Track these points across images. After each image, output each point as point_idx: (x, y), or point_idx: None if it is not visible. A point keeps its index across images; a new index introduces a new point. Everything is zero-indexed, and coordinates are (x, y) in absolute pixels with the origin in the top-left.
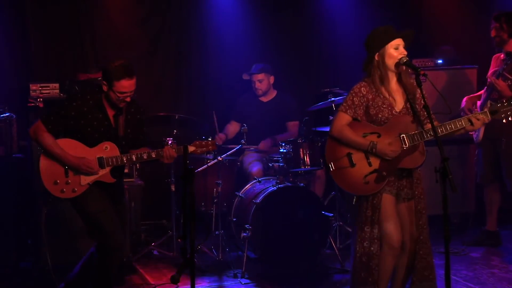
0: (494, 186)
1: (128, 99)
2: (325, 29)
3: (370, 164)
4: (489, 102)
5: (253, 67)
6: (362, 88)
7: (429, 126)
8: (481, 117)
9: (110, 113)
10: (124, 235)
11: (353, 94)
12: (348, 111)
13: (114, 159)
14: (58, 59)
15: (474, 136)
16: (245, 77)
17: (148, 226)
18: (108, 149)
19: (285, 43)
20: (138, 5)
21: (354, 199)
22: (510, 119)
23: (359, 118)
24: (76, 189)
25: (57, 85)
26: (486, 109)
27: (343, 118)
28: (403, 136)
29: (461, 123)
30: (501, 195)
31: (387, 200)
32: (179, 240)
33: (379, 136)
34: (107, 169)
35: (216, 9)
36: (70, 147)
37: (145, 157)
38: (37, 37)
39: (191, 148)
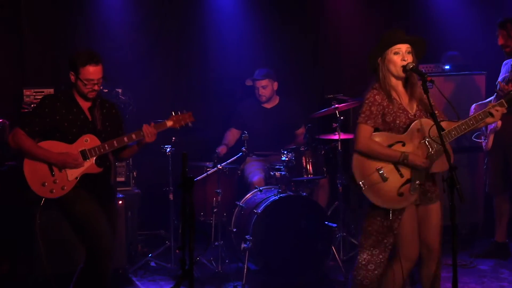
0: (503, 196)
1: (96, 87)
2: (330, 33)
3: (401, 176)
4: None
5: (256, 72)
6: (376, 96)
7: (444, 125)
8: (500, 108)
9: (85, 106)
10: (114, 239)
11: (370, 104)
12: (369, 122)
13: (96, 149)
14: (53, 64)
15: (483, 144)
16: (248, 83)
17: (145, 236)
18: (88, 141)
19: (288, 48)
20: (136, 8)
21: (391, 214)
22: None
23: (380, 127)
24: (65, 186)
25: (51, 90)
26: (502, 100)
27: (367, 130)
28: (428, 141)
29: (481, 116)
30: (511, 206)
31: (409, 211)
32: (177, 251)
33: (404, 145)
34: (92, 159)
35: (218, 11)
36: (52, 147)
37: (126, 140)
38: (31, 41)
39: (169, 123)
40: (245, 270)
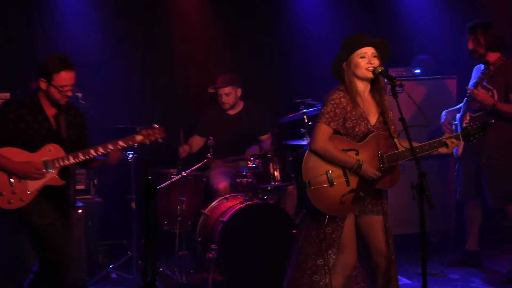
0: (475, 203)
1: (69, 93)
2: (298, 36)
3: (348, 184)
4: (468, 114)
5: (219, 79)
6: (342, 99)
7: (405, 142)
8: (455, 141)
9: (50, 113)
10: (71, 251)
11: (334, 105)
12: (331, 123)
13: (60, 160)
14: (9, 67)
15: (454, 151)
16: (211, 90)
17: (106, 246)
18: (52, 151)
19: (254, 51)
20: (97, 10)
21: (326, 219)
22: (474, 141)
23: (340, 130)
24: (23, 198)
25: (7, 94)
26: (464, 124)
27: (325, 131)
28: (382, 156)
29: (436, 144)
30: (482, 213)
31: (349, 219)
32: (139, 261)
33: (357, 154)
34: (55, 171)
35: (184, 16)
36: (12, 155)
37: (92, 152)
38: None
39: (138, 138)
40: (211, 280)
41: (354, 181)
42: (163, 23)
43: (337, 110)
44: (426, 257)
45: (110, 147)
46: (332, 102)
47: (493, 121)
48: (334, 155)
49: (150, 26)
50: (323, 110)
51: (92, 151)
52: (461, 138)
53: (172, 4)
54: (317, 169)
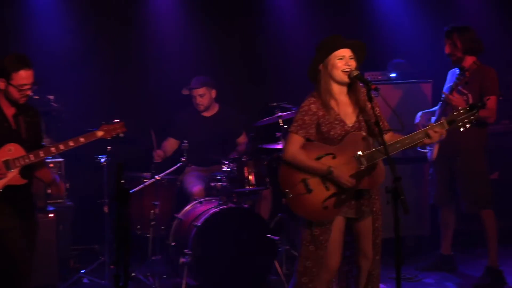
0: (449, 207)
1: (29, 92)
2: (273, 40)
3: (327, 189)
4: (443, 118)
5: (193, 80)
6: (312, 105)
7: (386, 138)
8: (439, 129)
9: (9, 113)
10: (32, 260)
11: (303, 113)
12: (300, 131)
13: (21, 159)
14: None
15: (428, 154)
16: (185, 92)
17: (78, 251)
18: (12, 151)
19: (228, 54)
20: (69, 11)
21: (300, 221)
22: (467, 126)
23: (311, 137)
24: None
25: None
26: (443, 120)
27: (296, 140)
28: (359, 156)
29: (418, 136)
30: (456, 217)
31: (338, 222)
32: (111, 266)
33: (334, 157)
34: (15, 170)
35: (156, 17)
36: None
37: (53, 150)
38: None
39: (99, 133)
40: (184, 285)
41: (333, 185)
42: (136, 24)
43: (305, 118)
44: (400, 262)
45: (71, 144)
46: (301, 110)
47: (479, 104)
48: (304, 163)
49: (123, 27)
50: (294, 119)
51: (53, 149)
52: (445, 125)
53: (146, 5)
54: (293, 178)
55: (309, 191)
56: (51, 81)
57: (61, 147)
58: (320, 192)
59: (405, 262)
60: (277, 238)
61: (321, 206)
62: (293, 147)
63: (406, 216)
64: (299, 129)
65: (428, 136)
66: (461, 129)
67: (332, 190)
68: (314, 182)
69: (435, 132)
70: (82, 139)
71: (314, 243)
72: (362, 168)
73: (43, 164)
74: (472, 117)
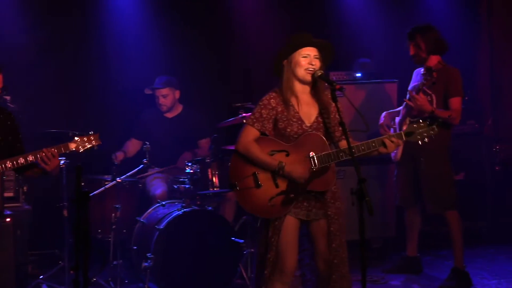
0: (414, 208)
1: None
2: (238, 40)
3: (277, 186)
4: (408, 119)
5: (157, 80)
6: (272, 100)
7: (343, 144)
8: (395, 139)
9: None
10: None
11: (262, 106)
12: (256, 124)
13: None
14: None
15: (392, 155)
16: (148, 91)
17: (37, 256)
18: None
19: (193, 54)
20: (26, 9)
21: (259, 222)
22: (426, 140)
23: (267, 132)
24: None
25: None
26: (403, 129)
27: (250, 132)
28: (313, 157)
29: (375, 144)
30: (422, 218)
31: (289, 224)
32: (71, 271)
33: (287, 155)
34: None
35: (117, 15)
36: None
37: (21, 161)
38: None
39: (71, 145)
40: None
41: (283, 183)
42: (97, 23)
43: (263, 111)
44: (366, 264)
45: (41, 154)
46: (260, 103)
47: (440, 119)
48: (256, 156)
49: (83, 25)
50: (252, 112)
51: (21, 159)
52: (403, 136)
53: (107, 3)
54: (243, 171)
55: (258, 186)
56: (7, 81)
57: (30, 157)
58: (269, 188)
59: (371, 264)
60: (241, 241)
61: (268, 202)
62: (247, 138)
63: (372, 217)
64: (255, 121)
65: (384, 145)
66: (419, 142)
67: (282, 187)
68: (264, 177)
69: (392, 142)
70: (53, 150)
71: (266, 246)
72: (313, 169)
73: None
74: (431, 132)
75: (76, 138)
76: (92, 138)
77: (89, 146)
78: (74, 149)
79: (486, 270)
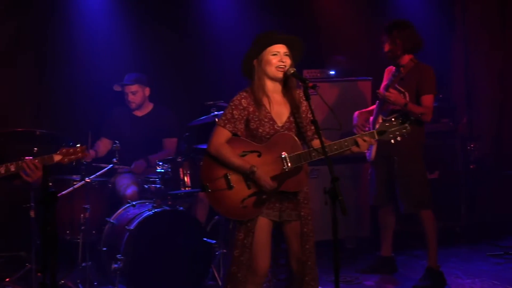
0: (388, 208)
1: None
2: (209, 37)
3: (249, 187)
4: (380, 117)
5: (126, 77)
6: (243, 100)
7: (315, 143)
8: (368, 138)
9: None
10: None
11: (233, 107)
12: (227, 125)
13: None
14: None
15: (367, 155)
16: (117, 88)
17: (2, 259)
18: None
19: (163, 51)
20: None
21: (231, 223)
22: (398, 139)
23: (238, 133)
24: None
25: None
26: (377, 126)
27: (222, 134)
28: (285, 157)
29: (347, 143)
30: (396, 218)
31: (262, 225)
32: (38, 274)
33: (259, 156)
34: None
35: (86, 11)
36: None
37: (2, 171)
38: None
39: (57, 157)
40: None
41: (255, 184)
42: (65, 19)
43: (234, 112)
44: (339, 264)
45: (23, 165)
46: (231, 104)
47: (412, 118)
48: (227, 158)
49: (51, 22)
50: (223, 113)
51: (3, 170)
52: (376, 135)
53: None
54: (215, 172)
55: (230, 187)
56: None
57: (12, 168)
58: (241, 190)
59: (345, 264)
60: (214, 241)
61: (240, 204)
62: (218, 140)
63: (346, 217)
64: (227, 122)
65: (356, 144)
66: (392, 141)
67: (254, 189)
68: (236, 179)
69: (364, 141)
70: (36, 162)
71: (239, 248)
72: (286, 170)
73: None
74: (404, 131)
75: (62, 150)
76: (78, 150)
77: (74, 158)
78: (59, 161)
79: (460, 269)
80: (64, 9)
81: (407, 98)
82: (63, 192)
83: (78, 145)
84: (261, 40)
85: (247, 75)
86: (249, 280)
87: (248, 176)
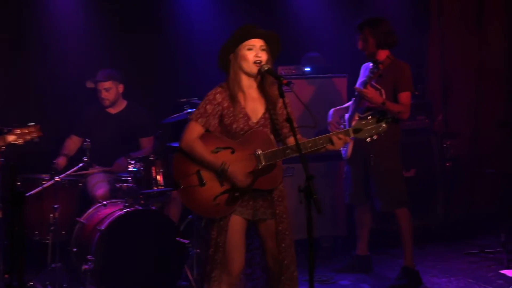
0: (364, 206)
1: None
2: (183, 33)
3: (221, 184)
4: (357, 114)
5: (99, 73)
6: (217, 95)
7: (291, 140)
8: (343, 136)
9: None
10: None
11: (207, 101)
12: (200, 120)
13: None
14: None
15: (343, 152)
16: (89, 85)
17: None
18: None
19: (135, 47)
20: None
21: (203, 222)
22: (375, 137)
23: (211, 128)
24: None
25: None
26: (353, 124)
27: (194, 129)
28: (258, 154)
29: (322, 141)
30: (372, 216)
31: (235, 223)
32: (6, 275)
33: (233, 152)
34: None
35: (56, 6)
36: None
37: None
38: None
39: (10, 137)
40: None
41: (228, 181)
42: (35, 14)
43: (208, 107)
44: (314, 263)
45: None
46: (205, 98)
47: (389, 117)
48: (199, 154)
49: (20, 17)
50: (196, 108)
51: None
52: (351, 133)
53: None
54: (187, 168)
55: (202, 184)
56: None
57: None
58: (213, 187)
59: (320, 264)
60: (187, 241)
61: (212, 201)
62: (191, 135)
63: (321, 216)
64: (200, 117)
65: (331, 142)
66: (368, 139)
67: (226, 186)
68: (208, 175)
69: (339, 139)
70: None
71: (212, 246)
72: (259, 167)
73: None
74: (380, 129)
75: (15, 130)
76: (33, 129)
77: (29, 138)
78: (13, 141)
79: (436, 268)
80: (34, 4)
81: (384, 95)
82: (32, 192)
83: (32, 123)
84: (238, 33)
85: (223, 69)
86: (224, 279)
87: (219, 176)
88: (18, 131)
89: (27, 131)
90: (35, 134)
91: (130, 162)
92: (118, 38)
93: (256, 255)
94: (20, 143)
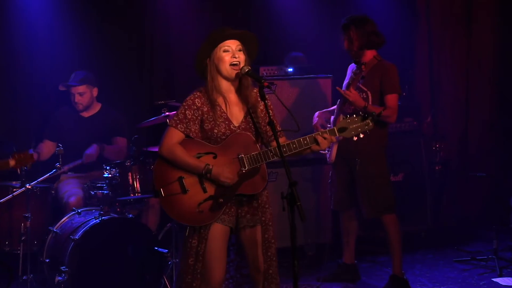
0: (350, 212)
1: None
2: (160, 34)
3: (204, 190)
4: (341, 116)
5: (72, 76)
6: (197, 100)
7: (275, 144)
8: (328, 136)
9: None
10: None
11: (186, 107)
12: (179, 126)
13: None
14: None
15: (327, 155)
16: (62, 88)
17: None
18: None
19: (111, 48)
20: None
21: (187, 231)
22: (361, 136)
23: (191, 134)
24: None
25: None
26: (335, 126)
27: (174, 135)
28: (242, 158)
29: (307, 141)
30: (359, 223)
31: (216, 231)
32: None
33: (215, 157)
34: None
35: (26, 7)
36: None
37: None
38: None
39: (12, 163)
40: None
41: (211, 187)
42: (2, 17)
43: (187, 112)
44: (297, 272)
45: None
46: (184, 104)
47: (374, 114)
48: (181, 159)
49: None
50: (175, 113)
51: None
52: (336, 132)
53: None
54: (168, 176)
55: (185, 191)
56: None
57: None
58: (196, 194)
59: (305, 273)
60: (166, 250)
61: (196, 209)
62: (171, 141)
63: (306, 222)
64: (179, 123)
65: (316, 142)
66: (354, 138)
67: (210, 192)
68: (191, 182)
69: (325, 138)
70: None
71: (192, 256)
72: (243, 171)
73: None
74: (366, 127)
75: (15, 155)
76: (29, 156)
77: (25, 164)
78: (13, 167)
79: (425, 276)
80: (1, 5)
81: (370, 98)
82: (1, 200)
83: (27, 151)
84: (212, 37)
85: (201, 75)
86: None
87: (205, 178)
88: (17, 157)
89: (23, 157)
90: (30, 161)
91: (104, 168)
92: (91, 39)
93: (230, 268)
94: (16, 168)
